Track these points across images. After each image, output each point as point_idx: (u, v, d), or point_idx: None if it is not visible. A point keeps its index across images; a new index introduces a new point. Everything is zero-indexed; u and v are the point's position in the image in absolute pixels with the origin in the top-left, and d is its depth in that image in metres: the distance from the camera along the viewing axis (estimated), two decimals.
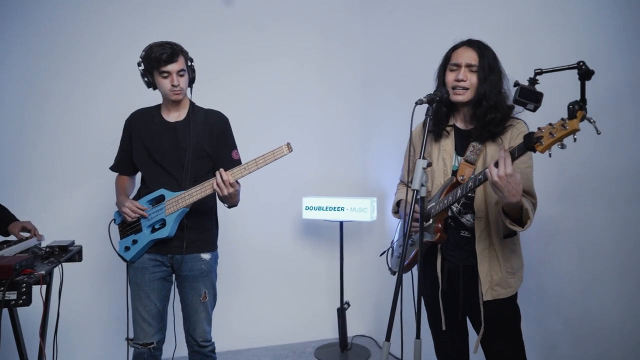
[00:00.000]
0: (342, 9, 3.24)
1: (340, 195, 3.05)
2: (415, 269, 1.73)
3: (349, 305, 2.94)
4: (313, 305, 3.22)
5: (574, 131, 1.22)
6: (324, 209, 2.89)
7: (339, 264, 2.97)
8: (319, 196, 2.98)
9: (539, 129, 1.31)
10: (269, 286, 3.16)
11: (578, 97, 1.23)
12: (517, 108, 1.63)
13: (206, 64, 2.91)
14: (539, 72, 1.25)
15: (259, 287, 3.14)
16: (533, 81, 1.25)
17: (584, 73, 1.17)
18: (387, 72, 3.03)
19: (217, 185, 1.78)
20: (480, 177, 1.50)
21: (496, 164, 1.41)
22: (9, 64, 2.65)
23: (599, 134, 1.21)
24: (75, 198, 2.74)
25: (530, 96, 1.23)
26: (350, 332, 3.08)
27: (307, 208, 2.93)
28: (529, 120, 1.55)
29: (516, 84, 1.27)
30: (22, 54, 2.68)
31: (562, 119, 1.25)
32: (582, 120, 1.22)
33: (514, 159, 1.40)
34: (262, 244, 3.12)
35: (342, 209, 2.86)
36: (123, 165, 2.06)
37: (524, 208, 1.49)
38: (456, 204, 1.68)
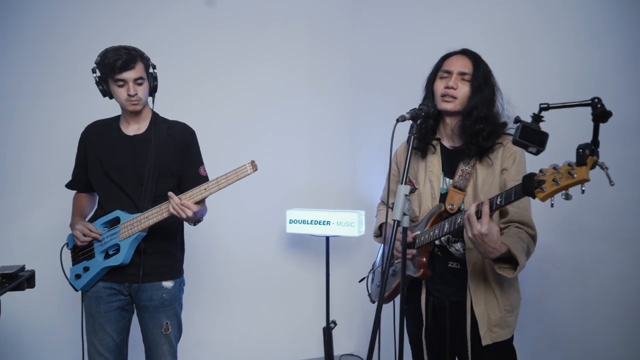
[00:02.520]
0: (331, 8, 3.03)
1: (328, 206, 2.87)
2: (397, 301, 1.57)
3: (335, 324, 2.78)
4: (299, 323, 3.07)
5: (583, 181, 1.02)
6: (309, 222, 2.71)
7: (325, 281, 2.80)
8: (304, 209, 2.80)
9: (541, 171, 1.11)
10: (253, 302, 3.00)
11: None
12: (511, 124, 1.47)
13: (185, 69, 2.75)
14: (545, 108, 1.04)
15: (242, 303, 2.98)
16: (537, 118, 1.05)
17: (600, 114, 0.97)
18: (379, 75, 2.86)
19: (174, 209, 1.62)
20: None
21: (477, 213, 1.26)
22: None
23: (612, 184, 1.01)
24: (31, 218, 2.54)
25: (532, 137, 1.03)
26: (338, 351, 2.92)
27: (291, 221, 2.75)
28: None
29: (517, 120, 1.07)
30: None
31: (569, 165, 1.05)
32: (592, 167, 1.03)
33: (509, 202, 1.22)
34: (246, 257, 2.96)
35: (328, 223, 2.68)
36: (80, 182, 1.88)
37: (512, 253, 1.32)
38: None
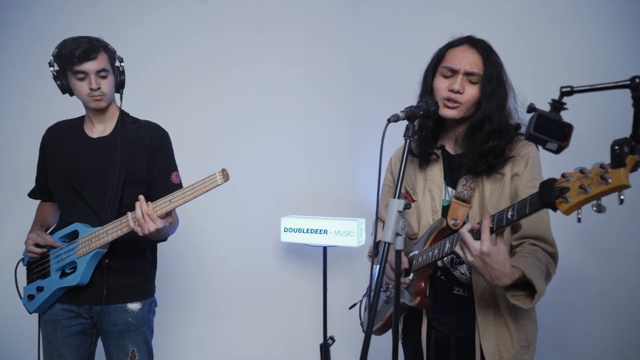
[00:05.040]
0: (329, 5, 2.85)
1: (326, 214, 2.67)
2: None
3: (333, 340, 2.58)
4: (294, 339, 2.86)
5: (621, 188, 0.77)
6: (305, 231, 2.50)
7: (322, 294, 2.59)
8: (300, 216, 2.61)
9: (563, 176, 0.87)
10: (244, 316, 2.81)
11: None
12: (524, 128, 1.23)
13: (179, 67, 2.61)
14: (568, 92, 0.79)
15: (233, 318, 2.80)
16: (558, 106, 0.80)
17: None
18: (380, 75, 2.68)
19: (137, 220, 1.40)
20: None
21: (476, 233, 1.03)
22: None
23: None
24: None
25: (552, 130, 0.78)
26: None
27: (286, 230, 2.55)
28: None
29: (531, 108, 0.82)
30: None
31: (602, 167, 0.80)
32: (634, 169, 0.78)
33: (523, 216, 0.97)
34: (238, 267, 2.78)
35: (325, 231, 2.46)
36: (43, 190, 1.70)
37: (528, 278, 1.08)
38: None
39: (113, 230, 1.46)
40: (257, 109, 2.78)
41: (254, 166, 2.70)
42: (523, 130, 1.25)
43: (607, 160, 0.80)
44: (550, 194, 0.87)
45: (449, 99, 1.23)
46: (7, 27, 2.51)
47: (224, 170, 1.38)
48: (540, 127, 0.78)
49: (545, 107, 1.24)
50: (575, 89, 0.79)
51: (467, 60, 1.23)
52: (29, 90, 2.45)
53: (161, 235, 1.53)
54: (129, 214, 1.43)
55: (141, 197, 1.42)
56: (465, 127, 1.27)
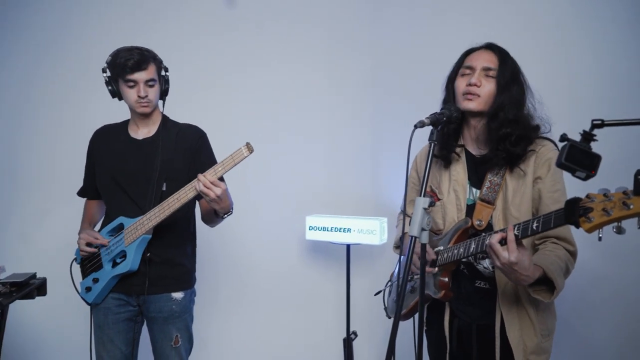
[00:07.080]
0: (351, 9, 2.91)
1: (349, 213, 2.76)
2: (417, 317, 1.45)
3: (356, 335, 2.67)
4: (318, 333, 2.97)
5: None
6: (329, 229, 2.60)
7: (346, 290, 2.69)
8: (324, 215, 2.70)
9: (587, 196, 0.96)
10: (270, 311, 2.93)
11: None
12: (544, 128, 1.34)
13: (203, 69, 2.71)
14: (599, 124, 0.88)
15: (259, 312, 2.91)
16: (588, 137, 0.90)
17: None
18: (401, 77, 2.74)
19: (202, 191, 1.49)
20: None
21: (503, 241, 1.14)
22: None
23: None
24: (48, 226, 2.52)
25: (582, 160, 0.88)
26: None
27: (311, 228, 2.65)
28: None
29: (564, 138, 0.92)
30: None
31: (625, 193, 0.89)
32: None
33: (548, 229, 1.08)
34: (264, 264, 2.89)
35: (349, 230, 2.57)
36: (90, 189, 1.83)
37: (548, 276, 1.19)
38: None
39: (154, 216, 1.59)
40: (281, 110, 2.85)
41: (280, 167, 2.77)
42: (542, 132, 1.35)
43: (625, 182, 0.89)
44: (574, 213, 0.96)
45: (467, 93, 1.34)
46: (42, 31, 2.61)
47: (248, 144, 1.48)
48: (571, 157, 0.88)
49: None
50: (606, 122, 0.88)
51: (484, 58, 1.36)
52: (80, 95, 2.56)
53: (227, 205, 1.61)
54: (194, 181, 1.52)
55: (199, 175, 1.51)
56: (483, 121, 1.36)
